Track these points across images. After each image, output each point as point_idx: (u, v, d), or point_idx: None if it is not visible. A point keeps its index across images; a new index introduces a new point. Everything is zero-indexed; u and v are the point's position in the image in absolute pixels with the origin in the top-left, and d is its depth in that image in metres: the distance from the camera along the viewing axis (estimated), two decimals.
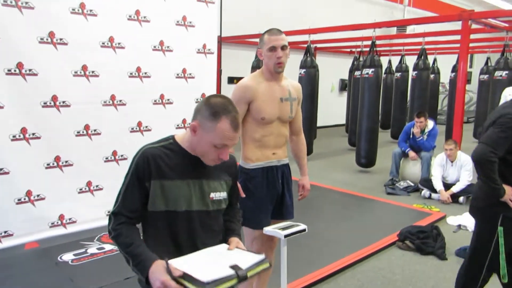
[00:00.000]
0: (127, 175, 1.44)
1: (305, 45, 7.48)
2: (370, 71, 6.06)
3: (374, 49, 6.29)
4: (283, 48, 2.10)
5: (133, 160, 1.45)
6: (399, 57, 9.63)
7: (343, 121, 11.10)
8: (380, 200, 4.97)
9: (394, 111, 9.60)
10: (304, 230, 2.21)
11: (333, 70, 11.70)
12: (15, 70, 3.20)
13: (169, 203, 1.43)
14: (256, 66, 8.05)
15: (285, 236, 2.12)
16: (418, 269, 3.19)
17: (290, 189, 2.36)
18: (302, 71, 7.12)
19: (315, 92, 7.28)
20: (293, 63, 10.54)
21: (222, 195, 1.57)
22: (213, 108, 1.37)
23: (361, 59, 8.18)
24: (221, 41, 4.47)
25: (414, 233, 3.54)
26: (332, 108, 11.56)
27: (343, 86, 12.25)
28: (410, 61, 9.21)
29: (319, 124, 8.77)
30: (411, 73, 8.43)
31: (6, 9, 3.10)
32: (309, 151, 7.44)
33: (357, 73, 8.03)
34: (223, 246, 1.52)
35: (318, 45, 9.95)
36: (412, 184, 5.39)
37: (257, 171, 2.23)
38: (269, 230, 2.17)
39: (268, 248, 2.36)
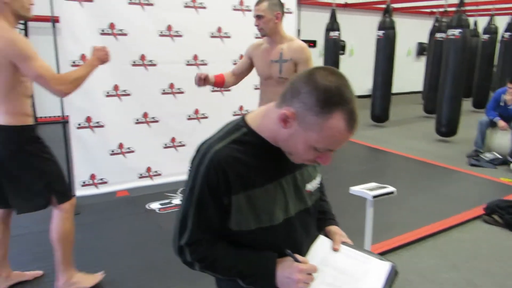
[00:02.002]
0: (192, 191, 1.01)
1: (383, 6, 7.06)
2: (456, 32, 5.60)
3: (462, 7, 5.78)
4: (258, 17, 2.51)
5: (196, 168, 1.01)
6: (486, 18, 8.80)
7: (419, 88, 10.52)
8: (462, 171, 4.71)
9: (478, 78, 8.90)
10: (392, 192, 2.18)
11: (410, 32, 11.00)
12: (107, 31, 3.38)
13: (261, 219, 1.02)
14: (330, 28, 7.80)
15: (374, 196, 2.10)
16: (507, 246, 3.02)
17: None
18: (381, 32, 6.77)
19: (393, 56, 6.93)
20: (370, 24, 10.14)
21: (317, 180, 1.19)
22: (323, 94, 0.89)
23: (444, 20, 7.60)
24: (300, 1, 4.30)
25: (504, 207, 3.32)
26: (408, 74, 10.99)
27: (420, 50, 11.51)
28: (500, 21, 8.40)
29: (394, 90, 8.41)
30: (502, 35, 7.70)
31: None
32: (385, 117, 7.20)
33: (439, 35, 7.50)
34: (324, 242, 1.15)
35: (396, 5, 9.35)
36: (500, 157, 5.01)
37: None
38: (356, 190, 2.16)
39: None
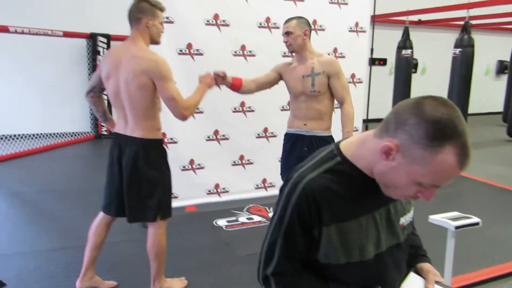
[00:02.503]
0: (281, 220, 0.97)
1: (459, 22, 6.72)
2: None
3: None
4: (287, 33, 2.60)
5: (287, 197, 0.97)
6: None
7: (499, 109, 9.83)
8: None
9: None
10: (478, 223, 2.03)
11: (489, 50, 10.34)
12: (185, 51, 3.53)
13: (352, 253, 0.97)
14: (401, 46, 7.57)
15: (456, 227, 1.97)
16: None
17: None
18: (457, 50, 6.42)
19: (470, 75, 6.53)
20: (444, 41, 9.69)
21: (411, 214, 1.12)
22: (433, 126, 0.82)
23: None
24: (374, 20, 4.23)
25: None
26: (487, 94, 10.31)
27: (501, 68, 10.76)
28: None
29: (470, 111, 7.91)
30: None
31: None
32: None
33: None
34: (416, 281, 1.08)
35: (475, 22, 8.85)
36: None
37: (286, 135, 2.82)
38: (436, 219, 2.03)
39: None
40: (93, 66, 6.70)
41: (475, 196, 4.53)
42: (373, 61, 8.87)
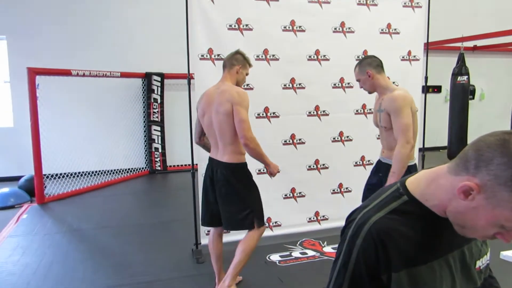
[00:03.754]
0: (346, 266, 0.89)
1: None
2: None
3: None
4: (358, 80, 2.80)
5: (350, 240, 0.90)
6: None
7: None
8: None
9: None
10: None
11: None
12: (262, 56, 3.60)
13: None
14: (456, 72, 7.29)
15: None
16: None
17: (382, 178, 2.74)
18: None
19: None
20: (503, 66, 9.24)
21: (488, 256, 1.02)
22: None
23: None
24: (428, 48, 4.11)
25: None
26: None
27: None
28: None
29: None
30: None
31: (258, 2, 3.55)
32: None
33: None
34: None
35: None
36: None
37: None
38: (510, 255, 1.86)
39: None
40: (148, 103, 7.01)
41: None
42: (427, 89, 8.65)
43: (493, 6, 9.08)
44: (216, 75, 3.50)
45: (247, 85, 3.59)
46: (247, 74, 2.80)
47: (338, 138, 3.93)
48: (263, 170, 3.69)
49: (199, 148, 3.20)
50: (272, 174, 2.79)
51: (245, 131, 2.52)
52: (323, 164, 3.91)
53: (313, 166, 3.89)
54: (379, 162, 2.91)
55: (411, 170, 2.63)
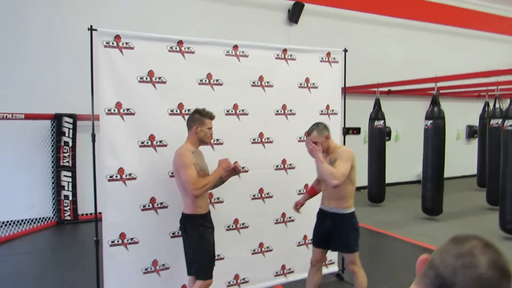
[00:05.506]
0: None
1: (430, 91, 6.85)
2: None
3: None
4: (315, 143, 3.07)
5: None
6: None
7: (472, 172, 9.91)
8: None
9: None
10: None
11: (457, 115, 10.63)
12: (176, 110, 3.36)
13: None
14: (374, 117, 7.63)
15: None
16: None
17: (338, 230, 3.17)
18: (429, 122, 6.46)
19: (443, 145, 6.54)
20: (416, 108, 9.90)
21: None
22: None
23: (497, 105, 7.24)
24: (345, 92, 4.20)
25: None
26: (459, 158, 10.39)
27: (471, 133, 11.00)
28: None
29: (445, 175, 7.88)
30: None
31: (172, 54, 3.34)
32: (439, 210, 6.62)
33: (494, 121, 7.08)
34: None
35: (443, 91, 9.14)
36: None
37: (319, 210, 3.34)
38: None
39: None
40: (57, 147, 6.39)
41: None
42: (347, 131, 8.95)
43: (403, 54, 9.80)
44: (124, 130, 3.22)
45: (160, 141, 3.33)
46: (210, 128, 2.97)
47: (258, 195, 3.77)
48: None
49: (107, 198, 3.13)
50: (237, 169, 3.11)
51: (191, 190, 2.77)
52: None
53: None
54: (325, 212, 3.24)
55: (350, 217, 3.18)
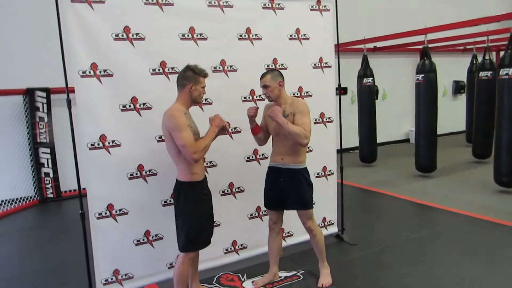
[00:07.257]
0: None
1: (414, 47, 6.61)
2: (510, 71, 5.05)
3: None
4: (265, 87, 2.95)
5: None
6: None
7: (460, 128, 9.89)
8: None
9: None
10: None
11: (443, 71, 10.45)
12: (159, 69, 3.04)
13: None
14: (362, 75, 7.41)
15: None
16: None
17: (294, 187, 3.00)
18: (420, 76, 6.27)
19: (436, 100, 6.38)
20: (402, 65, 9.74)
21: None
22: None
23: (487, 57, 7.07)
24: (338, 44, 3.95)
25: None
26: (447, 115, 10.27)
27: (457, 88, 10.90)
28: None
29: None
30: None
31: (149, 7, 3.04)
32: (433, 167, 6.54)
33: (483, 73, 6.94)
34: None
35: (432, 45, 8.92)
36: None
37: (269, 169, 3.14)
38: None
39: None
40: (32, 123, 6.01)
41: (458, 234, 4.17)
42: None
43: (389, 7, 9.51)
44: (103, 93, 2.92)
45: (144, 103, 3.05)
46: (203, 87, 2.74)
47: (252, 156, 3.55)
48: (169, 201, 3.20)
49: (90, 169, 2.92)
50: (225, 127, 2.82)
51: (190, 154, 2.54)
52: (239, 188, 3.51)
53: (228, 191, 3.47)
54: (278, 169, 3.04)
55: (304, 172, 3.03)
